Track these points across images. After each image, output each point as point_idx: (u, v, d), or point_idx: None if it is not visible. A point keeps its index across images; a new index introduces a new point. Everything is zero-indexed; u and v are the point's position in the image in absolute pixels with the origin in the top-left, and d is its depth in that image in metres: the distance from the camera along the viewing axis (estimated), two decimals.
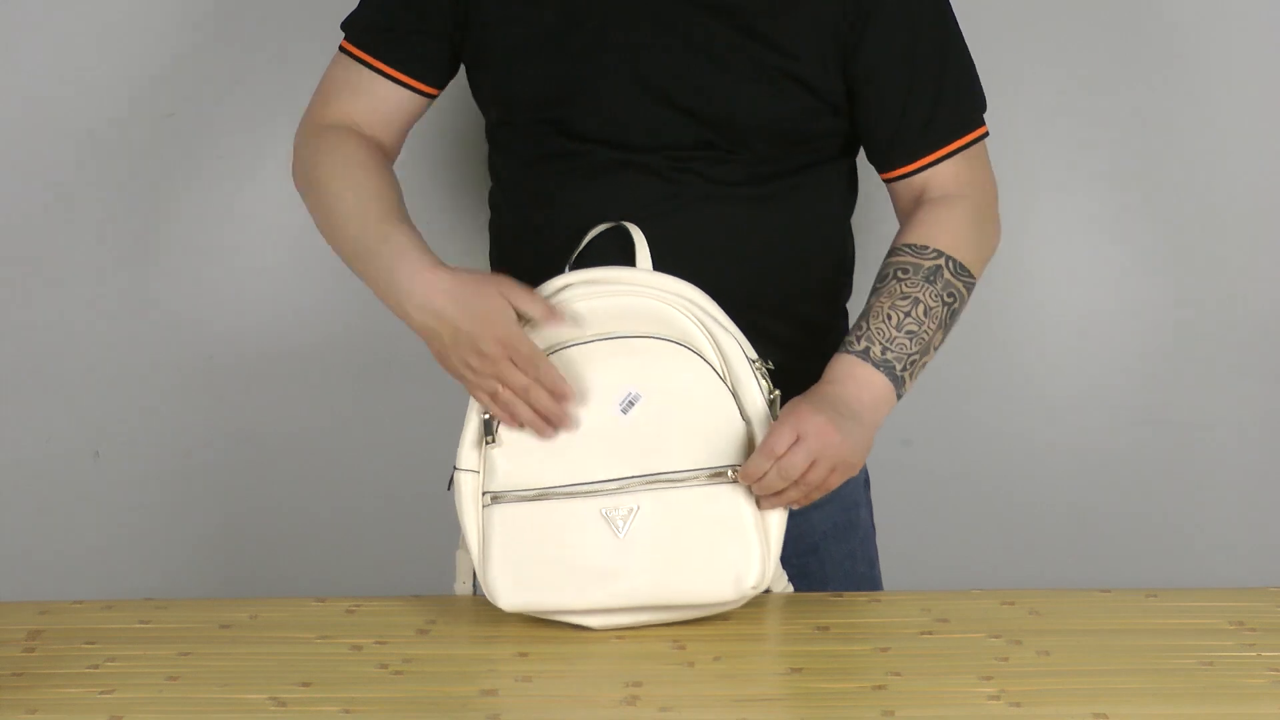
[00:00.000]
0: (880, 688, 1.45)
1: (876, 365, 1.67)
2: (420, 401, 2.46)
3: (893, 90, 1.74)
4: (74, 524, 2.49)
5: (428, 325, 1.63)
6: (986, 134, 1.80)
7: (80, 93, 2.40)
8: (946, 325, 1.72)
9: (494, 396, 1.61)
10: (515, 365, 1.60)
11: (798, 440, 1.57)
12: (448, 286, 1.62)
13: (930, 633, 1.59)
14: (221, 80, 2.40)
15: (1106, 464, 2.49)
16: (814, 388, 1.66)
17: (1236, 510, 2.49)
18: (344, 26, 1.84)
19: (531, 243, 1.77)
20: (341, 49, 1.83)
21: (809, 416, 1.59)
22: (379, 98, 1.81)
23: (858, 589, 1.87)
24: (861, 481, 1.90)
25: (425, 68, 1.80)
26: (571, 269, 1.66)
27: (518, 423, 1.61)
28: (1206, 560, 2.47)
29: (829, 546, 1.85)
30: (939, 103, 1.76)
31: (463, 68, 1.84)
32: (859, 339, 1.68)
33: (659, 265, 1.68)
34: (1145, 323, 2.46)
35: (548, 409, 1.60)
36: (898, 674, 1.49)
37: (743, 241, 1.73)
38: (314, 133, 1.81)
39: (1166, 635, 1.57)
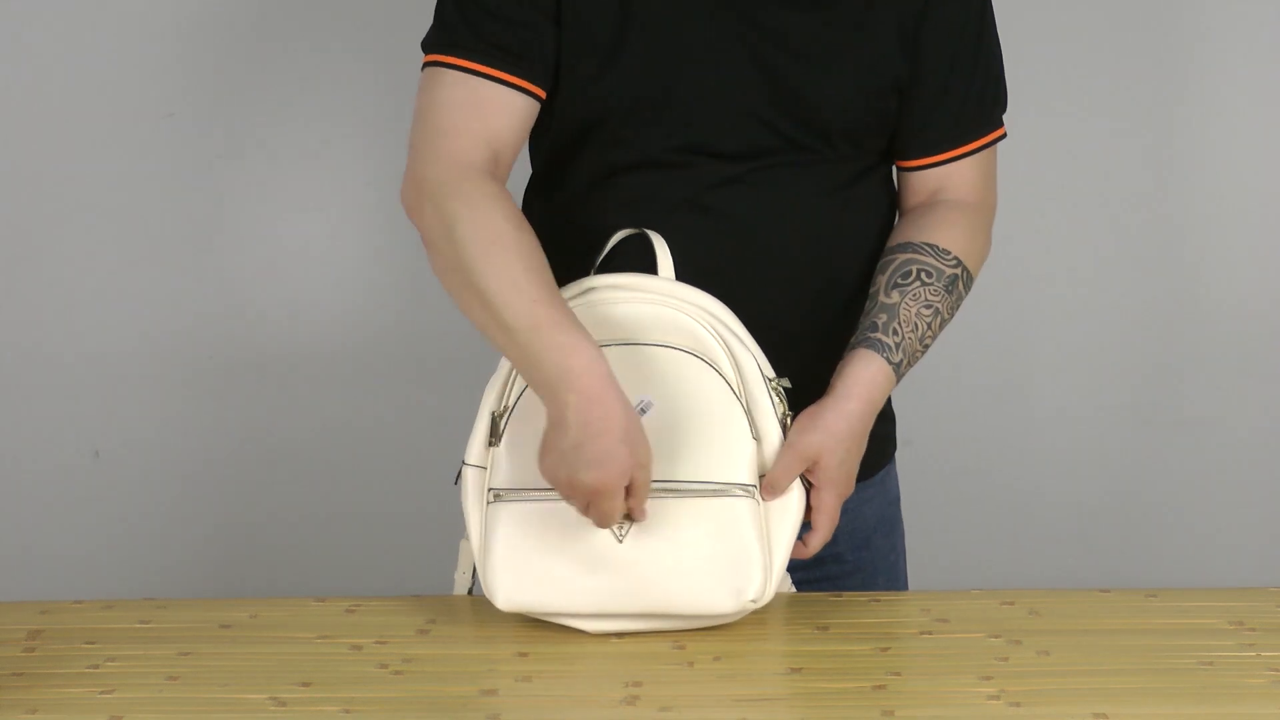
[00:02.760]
0: (880, 688, 1.45)
1: (898, 378, 1.68)
2: (421, 402, 2.46)
3: (937, 76, 1.74)
4: (74, 524, 2.50)
5: (567, 419, 1.52)
6: (1005, 135, 1.80)
7: (81, 93, 2.40)
8: (938, 335, 1.74)
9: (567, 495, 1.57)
10: (593, 504, 1.54)
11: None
12: (607, 407, 1.52)
13: (930, 633, 1.59)
14: (221, 80, 2.40)
15: (1107, 464, 2.49)
16: (848, 401, 1.64)
17: (1236, 510, 2.49)
18: (442, 44, 1.67)
19: (569, 248, 1.72)
20: (448, 65, 1.66)
21: (850, 478, 1.64)
22: (510, 107, 1.66)
23: (897, 583, 1.88)
24: (895, 479, 1.90)
25: (539, 72, 1.68)
26: (596, 273, 1.65)
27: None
28: (1206, 560, 2.47)
29: (878, 541, 1.85)
30: (973, 95, 1.76)
31: None
32: (897, 347, 1.67)
33: (731, 267, 1.68)
34: (1145, 323, 2.46)
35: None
36: (898, 674, 1.49)
37: (817, 247, 1.73)
38: (463, 174, 1.63)
39: (1166, 635, 1.57)
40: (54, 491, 2.49)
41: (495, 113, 1.66)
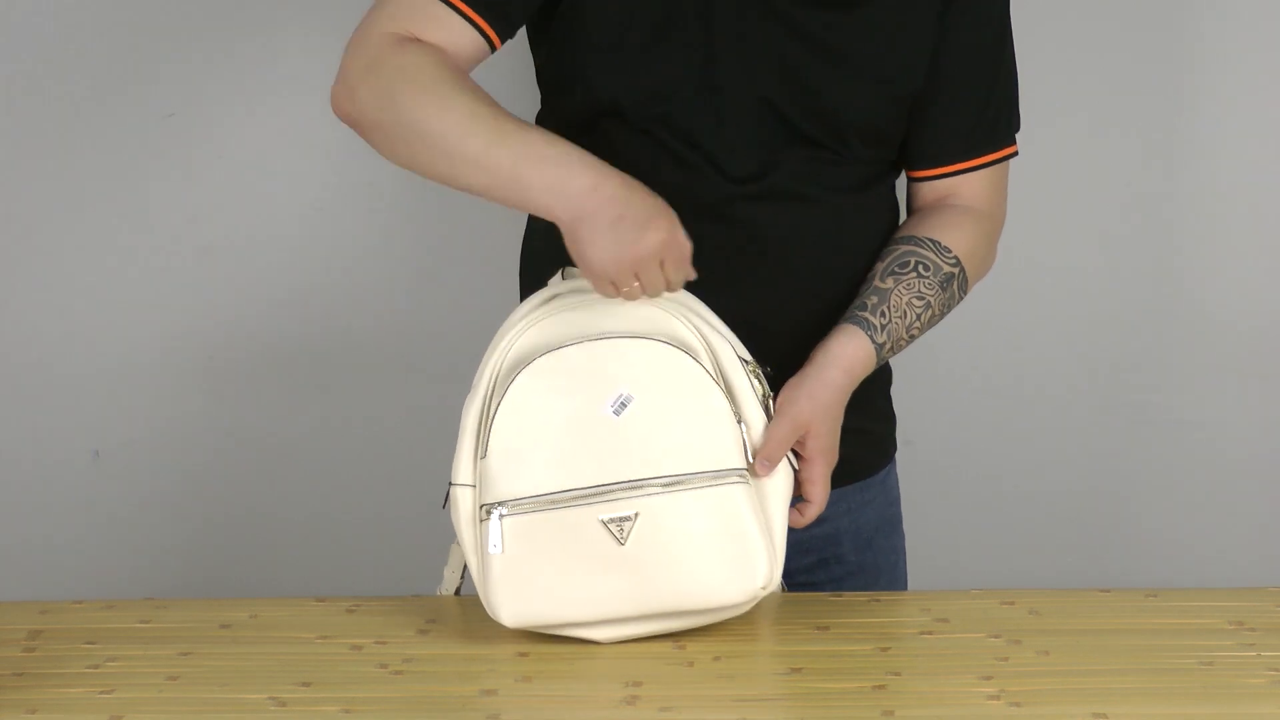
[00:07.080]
0: (880, 688, 1.46)
1: (879, 361, 1.69)
2: (421, 402, 2.46)
3: (952, 88, 1.74)
4: (74, 524, 2.50)
5: (587, 207, 1.54)
6: (1016, 153, 1.80)
7: (80, 92, 2.40)
8: (926, 329, 1.74)
9: (619, 289, 1.57)
10: (661, 267, 1.55)
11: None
12: (624, 177, 1.56)
13: (930, 633, 1.59)
14: (221, 80, 2.40)
15: (1107, 464, 2.49)
16: (828, 370, 1.65)
17: (1236, 510, 2.49)
18: None
19: None
20: None
21: (835, 447, 1.65)
22: (454, 33, 1.65)
23: (898, 583, 1.89)
24: (895, 479, 1.90)
25: (498, 15, 1.67)
26: (565, 278, 1.65)
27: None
28: (1206, 560, 2.47)
29: (879, 541, 1.86)
30: (988, 110, 1.77)
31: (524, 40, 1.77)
32: (882, 328, 1.69)
33: (746, 265, 1.69)
34: (1147, 324, 2.46)
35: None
36: (898, 674, 1.49)
37: (824, 245, 1.73)
38: (395, 44, 1.62)
39: (1166, 635, 1.57)
40: (54, 491, 2.49)
41: (441, 30, 1.65)
